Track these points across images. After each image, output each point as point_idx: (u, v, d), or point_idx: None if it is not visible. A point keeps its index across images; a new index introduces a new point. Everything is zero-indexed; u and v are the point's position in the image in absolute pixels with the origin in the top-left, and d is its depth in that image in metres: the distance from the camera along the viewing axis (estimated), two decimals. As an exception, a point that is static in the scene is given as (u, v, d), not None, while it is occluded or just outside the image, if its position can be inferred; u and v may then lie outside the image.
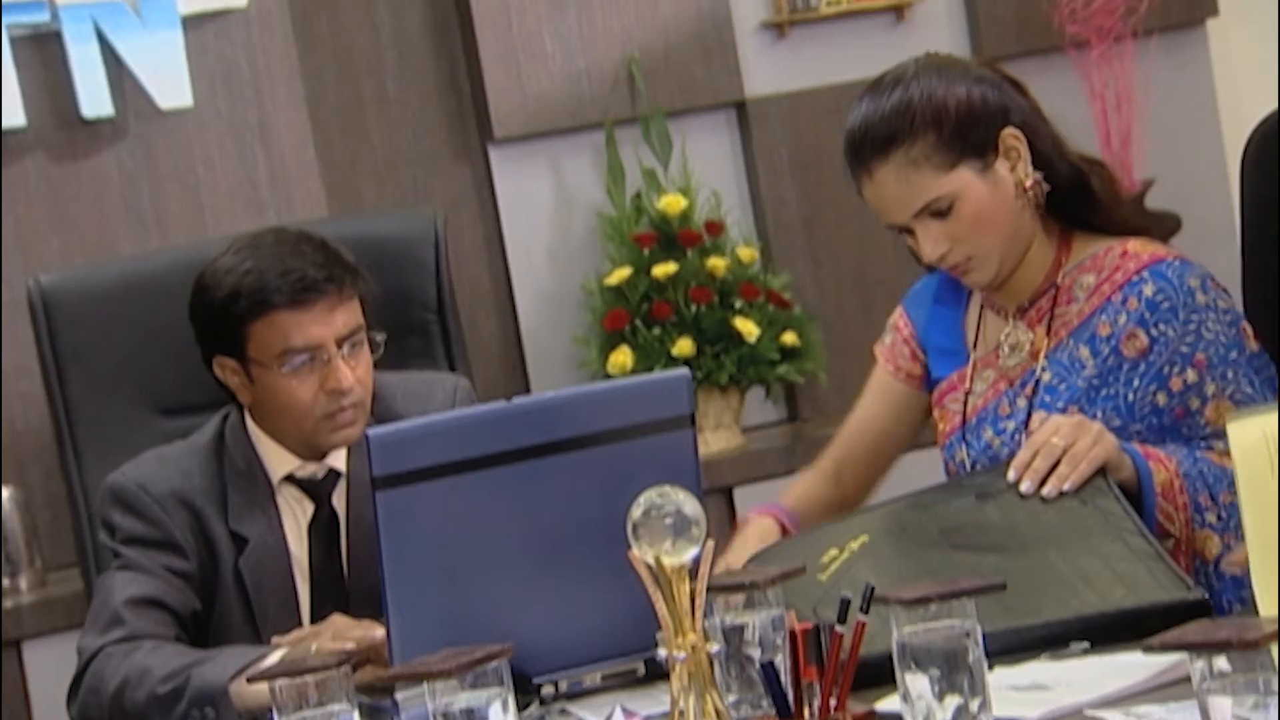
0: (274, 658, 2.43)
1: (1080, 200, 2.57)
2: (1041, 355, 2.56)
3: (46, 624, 3.81)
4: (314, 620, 2.65)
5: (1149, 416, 2.48)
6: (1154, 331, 2.49)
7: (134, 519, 2.66)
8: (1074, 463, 2.32)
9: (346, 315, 2.64)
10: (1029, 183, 2.53)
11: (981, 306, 2.65)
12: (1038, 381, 2.54)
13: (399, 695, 2.14)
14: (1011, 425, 2.56)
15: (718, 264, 4.26)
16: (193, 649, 2.57)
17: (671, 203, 4.29)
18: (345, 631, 2.43)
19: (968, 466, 2.59)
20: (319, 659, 2.02)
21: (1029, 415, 2.53)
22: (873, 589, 1.89)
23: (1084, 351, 2.53)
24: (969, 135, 2.50)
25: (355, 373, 2.64)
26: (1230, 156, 4.63)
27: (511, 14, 4.35)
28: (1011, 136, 2.52)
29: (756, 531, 2.63)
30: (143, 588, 2.61)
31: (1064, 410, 2.50)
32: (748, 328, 4.22)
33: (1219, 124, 4.70)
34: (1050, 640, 2.14)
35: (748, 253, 4.33)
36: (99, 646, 2.57)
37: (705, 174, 4.43)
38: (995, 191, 2.51)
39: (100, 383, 3.01)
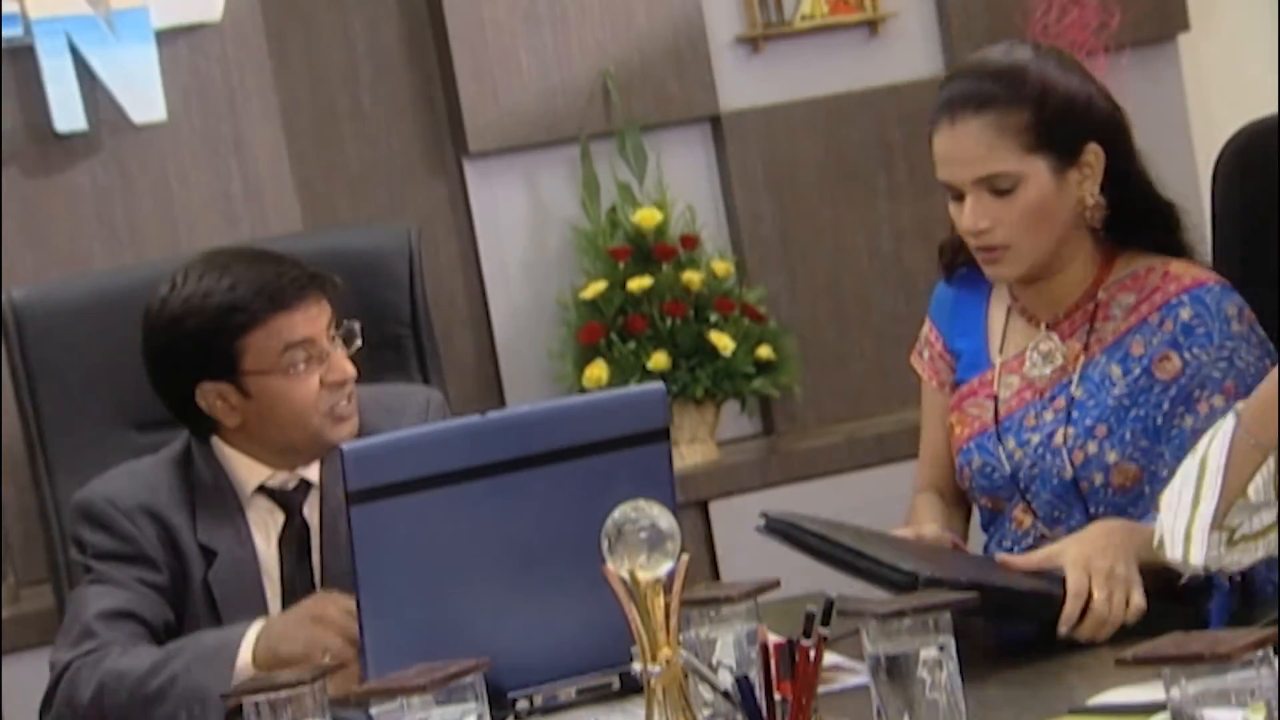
0: (251, 635, 2.47)
1: (1153, 228, 2.54)
2: (1075, 370, 2.53)
3: (20, 640, 3.80)
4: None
5: (1174, 440, 2.46)
6: (1187, 355, 2.47)
7: (104, 534, 2.66)
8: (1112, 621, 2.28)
9: (328, 313, 2.67)
10: (1090, 203, 2.50)
11: (1009, 310, 2.63)
12: (1071, 398, 2.52)
13: (373, 710, 2.14)
14: (1036, 438, 2.53)
15: (693, 278, 4.27)
16: (162, 647, 2.57)
17: (646, 216, 4.30)
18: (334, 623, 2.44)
19: (993, 472, 2.57)
20: (293, 675, 2.02)
21: (1056, 430, 2.51)
22: (832, 602, 1.88)
23: (1115, 370, 2.50)
24: (1062, 131, 2.48)
25: None
26: (1202, 170, 4.65)
27: (486, 29, 4.36)
28: (1093, 153, 2.50)
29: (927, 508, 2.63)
30: (114, 600, 2.61)
31: (1092, 428, 2.48)
32: (723, 341, 4.22)
33: (1190, 138, 4.72)
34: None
35: (723, 266, 4.34)
36: (69, 660, 2.57)
37: (680, 188, 4.44)
38: (1059, 197, 2.49)
39: (72, 397, 3.01)
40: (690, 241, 4.34)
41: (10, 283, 3.39)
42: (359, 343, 2.69)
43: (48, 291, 3.13)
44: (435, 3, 4.37)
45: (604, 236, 4.32)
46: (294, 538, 2.69)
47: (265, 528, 2.69)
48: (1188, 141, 4.72)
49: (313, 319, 2.64)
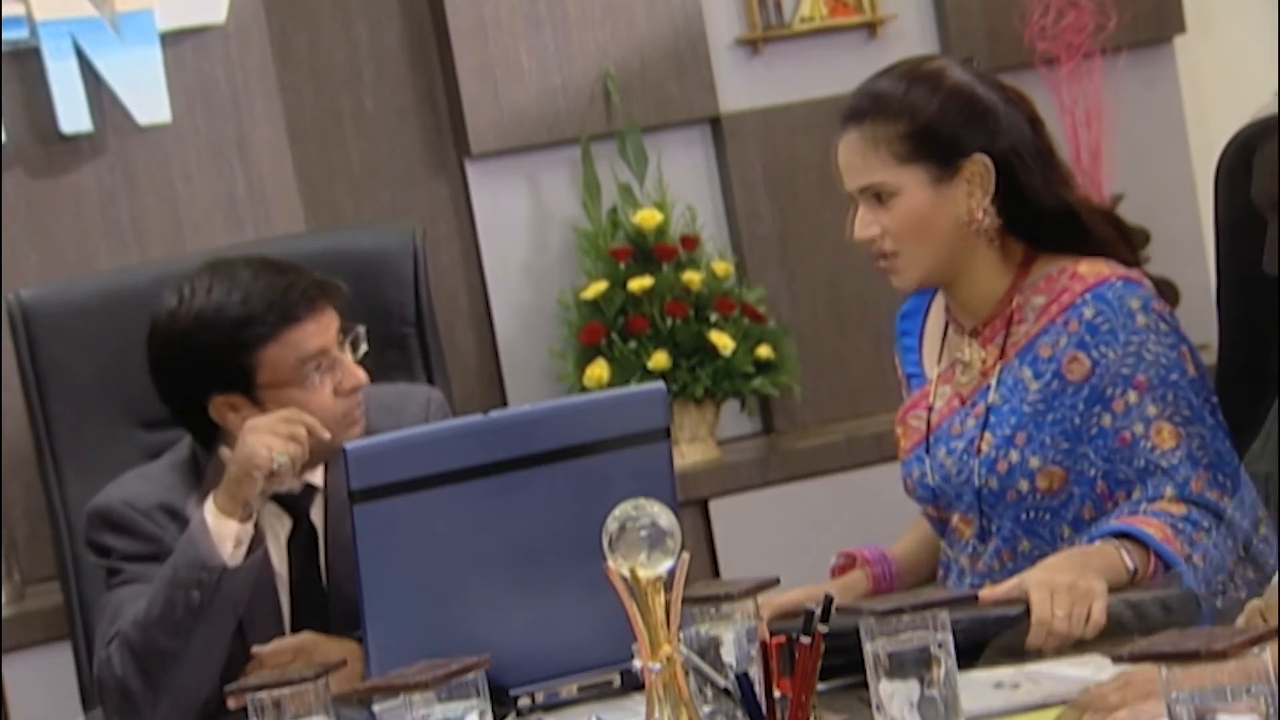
0: (207, 501, 2.54)
1: (1062, 233, 2.55)
2: (992, 376, 2.55)
3: (24, 638, 3.81)
4: (294, 632, 2.67)
5: (1095, 439, 2.48)
6: (1095, 354, 2.48)
7: (128, 537, 2.67)
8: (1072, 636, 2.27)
9: (336, 320, 2.68)
10: (978, 214, 2.51)
11: (946, 323, 2.66)
12: (989, 405, 2.54)
13: (376, 707, 2.16)
14: (961, 445, 2.55)
15: (693, 278, 4.28)
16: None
17: (647, 217, 4.32)
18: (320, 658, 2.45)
19: (929, 482, 2.59)
20: (296, 671, 2.04)
21: (976, 436, 2.54)
22: (831, 599, 1.89)
23: (1027, 373, 2.52)
24: (935, 142, 2.50)
25: None
26: (1198, 172, 4.67)
27: (488, 30, 4.37)
28: (979, 165, 2.51)
29: (841, 587, 2.64)
30: None
31: (1011, 436, 2.50)
32: (723, 341, 4.24)
33: (1186, 140, 4.74)
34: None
35: (722, 266, 4.36)
36: (108, 655, 2.60)
37: (680, 189, 4.46)
38: (940, 206, 2.51)
39: (79, 396, 3.02)
40: (690, 242, 4.35)
41: (16, 283, 3.41)
42: (365, 347, 2.69)
43: (54, 292, 3.15)
44: (437, 4, 4.38)
45: (605, 237, 4.33)
46: (302, 542, 2.70)
47: (274, 532, 2.70)
48: (1183, 144, 4.73)
49: (324, 329, 2.64)
